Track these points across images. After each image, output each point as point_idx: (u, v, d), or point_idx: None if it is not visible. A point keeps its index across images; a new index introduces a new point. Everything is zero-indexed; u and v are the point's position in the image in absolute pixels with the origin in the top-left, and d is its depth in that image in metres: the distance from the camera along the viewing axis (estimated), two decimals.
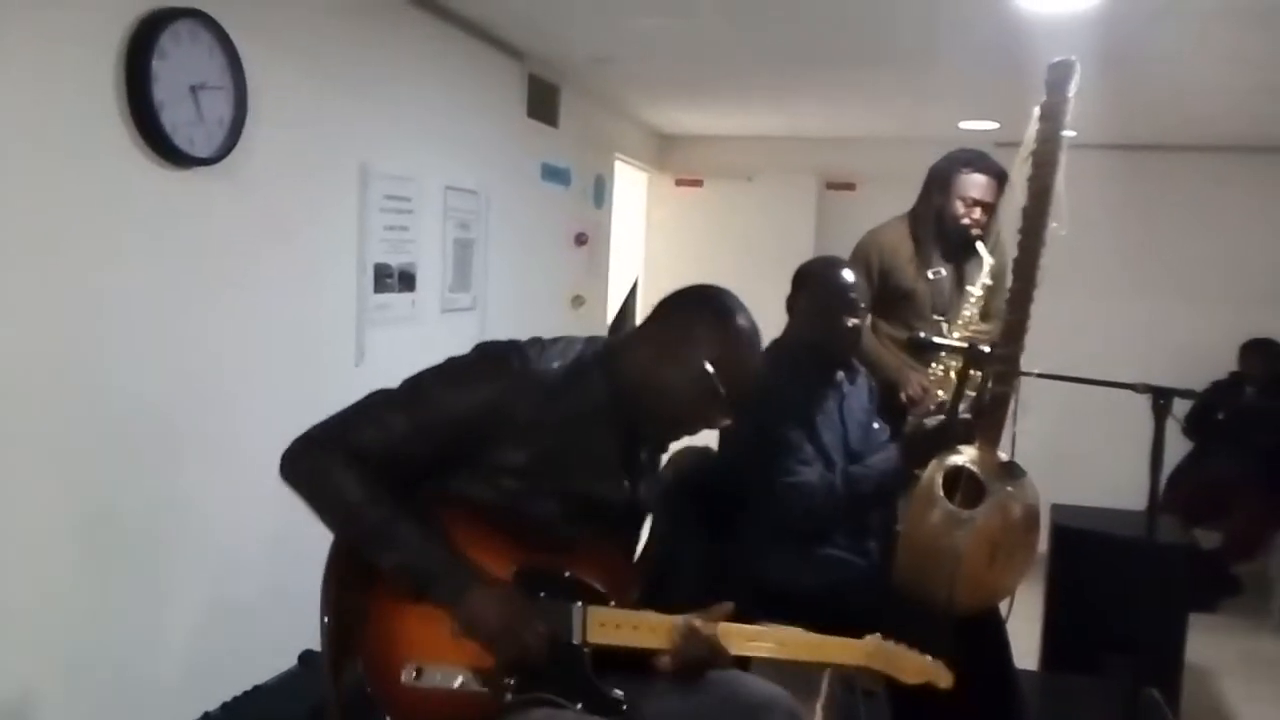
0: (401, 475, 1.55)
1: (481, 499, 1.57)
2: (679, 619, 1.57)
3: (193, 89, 2.10)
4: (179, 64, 2.06)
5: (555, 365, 1.60)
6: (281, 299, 2.52)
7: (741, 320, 1.64)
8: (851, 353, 2.50)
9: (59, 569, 1.96)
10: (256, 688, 2.32)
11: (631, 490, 1.69)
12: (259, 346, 2.45)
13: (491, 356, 1.60)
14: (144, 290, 2.10)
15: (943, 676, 1.68)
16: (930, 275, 3.07)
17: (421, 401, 1.55)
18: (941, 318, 2.99)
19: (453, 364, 1.60)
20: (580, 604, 1.57)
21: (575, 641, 1.55)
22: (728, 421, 1.66)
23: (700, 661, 1.57)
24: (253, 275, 2.41)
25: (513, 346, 1.61)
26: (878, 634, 1.68)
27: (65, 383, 1.94)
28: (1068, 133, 2.07)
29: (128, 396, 2.08)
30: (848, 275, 2.43)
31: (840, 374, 2.47)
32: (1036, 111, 2.09)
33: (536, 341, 1.64)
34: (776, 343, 2.47)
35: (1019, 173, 2.17)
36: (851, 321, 2.40)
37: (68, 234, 1.92)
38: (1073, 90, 2.05)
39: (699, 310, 1.64)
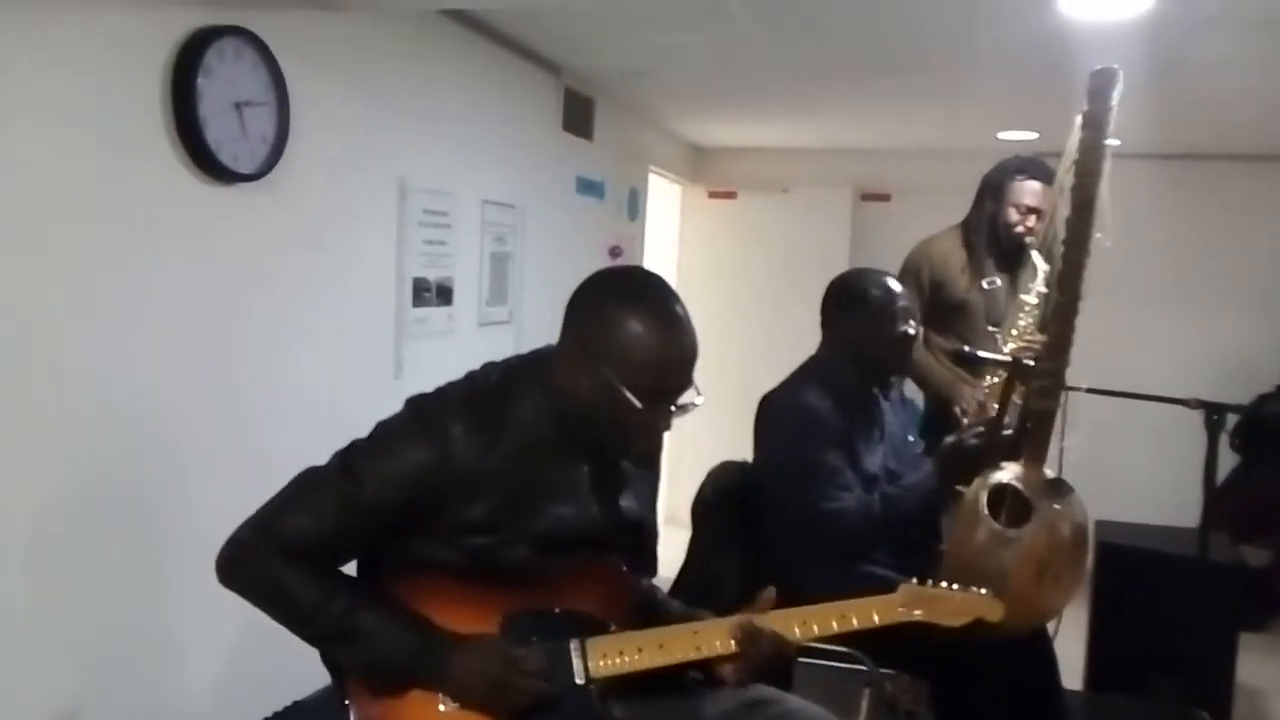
0: (348, 555, 1.47)
1: (449, 560, 1.45)
2: (734, 621, 1.48)
3: (237, 105, 2.12)
4: (223, 81, 2.08)
5: (490, 400, 1.46)
6: (321, 313, 2.54)
7: (650, 307, 1.41)
8: (907, 362, 2.44)
9: (92, 582, 1.97)
10: (297, 704, 2.32)
11: (606, 509, 1.55)
12: (300, 360, 2.46)
13: (418, 415, 1.45)
14: (187, 305, 2.12)
15: (992, 609, 1.58)
16: (985, 285, 3.04)
17: (353, 479, 1.42)
18: (996, 329, 2.95)
19: (382, 429, 1.47)
20: (576, 641, 1.46)
21: (580, 682, 1.45)
22: (667, 428, 1.46)
23: (769, 660, 1.47)
24: (293, 289, 2.43)
25: (439, 398, 1.47)
26: (913, 579, 1.60)
27: (108, 397, 1.95)
28: (1111, 141, 2.03)
29: (170, 411, 2.10)
30: (894, 283, 2.39)
31: (877, 390, 2.43)
32: (1079, 120, 2.05)
33: (469, 379, 1.52)
34: (816, 361, 2.44)
35: (1062, 183, 2.13)
36: (905, 329, 2.35)
37: (112, 249, 1.94)
38: (1116, 98, 2.01)
39: (601, 303, 1.44)
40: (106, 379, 1.95)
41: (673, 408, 1.45)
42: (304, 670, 2.35)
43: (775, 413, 2.35)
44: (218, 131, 2.08)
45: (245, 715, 2.27)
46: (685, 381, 1.45)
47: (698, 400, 1.47)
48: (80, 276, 1.88)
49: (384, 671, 1.42)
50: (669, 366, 1.42)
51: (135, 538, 2.04)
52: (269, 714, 2.31)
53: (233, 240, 2.23)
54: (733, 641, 1.48)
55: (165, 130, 2.01)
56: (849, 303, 2.39)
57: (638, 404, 1.39)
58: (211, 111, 2.05)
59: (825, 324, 2.46)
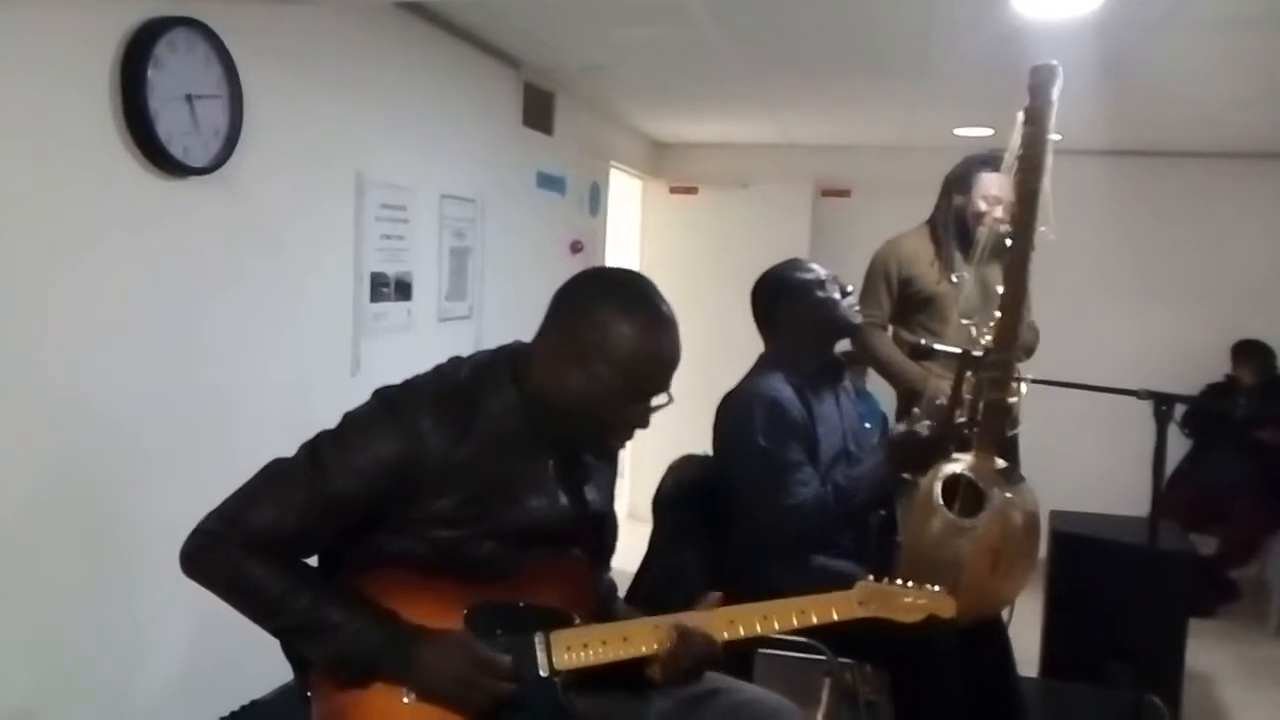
0: (314, 547, 1.47)
1: (415, 554, 1.45)
2: (662, 620, 1.50)
3: (188, 98, 2.09)
4: (174, 73, 2.05)
5: (459, 394, 1.47)
6: (277, 308, 2.51)
7: (643, 308, 1.46)
8: (849, 323, 2.46)
9: (44, 580, 1.93)
10: (254, 703, 2.30)
11: (574, 503, 1.57)
12: (255, 356, 2.43)
13: (387, 406, 1.46)
14: (139, 300, 2.08)
15: (945, 606, 1.61)
16: (954, 279, 3.08)
17: (319, 472, 1.41)
18: (969, 321, 2.99)
19: (348, 421, 1.46)
20: (540, 634, 1.47)
21: (544, 674, 1.46)
22: (645, 425, 1.50)
23: (693, 661, 1.48)
24: (248, 285, 2.39)
25: (408, 389, 1.48)
26: (869, 577, 1.63)
27: (56, 392, 1.92)
28: (1053, 136, 2.06)
29: (119, 405, 2.06)
30: (812, 265, 2.47)
31: (832, 367, 2.47)
32: (1020, 116, 2.08)
33: (437, 372, 1.52)
34: (768, 353, 2.47)
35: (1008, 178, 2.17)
36: (834, 293, 2.40)
37: (62, 242, 1.91)
38: (1056, 94, 2.04)
39: (594, 303, 1.47)
40: (59, 378, 1.91)
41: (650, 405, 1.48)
42: (262, 668, 2.33)
43: (736, 406, 2.37)
44: (169, 124, 2.04)
45: (203, 713, 2.24)
46: (669, 381, 1.48)
47: (666, 401, 1.50)
48: (29, 273, 1.84)
49: (350, 665, 1.41)
50: (659, 365, 1.46)
51: (90, 536, 2.01)
52: (226, 713, 2.28)
53: (186, 235, 2.19)
54: (666, 640, 1.49)
55: (115, 123, 1.97)
56: (779, 292, 2.46)
57: (625, 398, 1.44)
58: (162, 104, 2.02)
59: (763, 323, 2.50)
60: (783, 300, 2.44)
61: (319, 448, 1.44)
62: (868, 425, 2.56)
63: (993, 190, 3.04)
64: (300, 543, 1.45)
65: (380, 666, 1.40)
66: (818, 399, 2.39)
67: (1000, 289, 2.91)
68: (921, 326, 3.12)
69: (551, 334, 1.51)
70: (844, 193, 5.57)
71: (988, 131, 4.57)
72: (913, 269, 3.13)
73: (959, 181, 3.12)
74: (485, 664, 1.41)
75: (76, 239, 1.94)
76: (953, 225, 3.11)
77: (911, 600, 1.60)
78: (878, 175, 5.34)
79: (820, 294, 2.40)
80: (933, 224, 3.18)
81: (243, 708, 2.29)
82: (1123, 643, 2.72)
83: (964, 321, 3.01)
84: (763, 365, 2.44)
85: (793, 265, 2.48)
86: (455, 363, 1.54)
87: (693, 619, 1.51)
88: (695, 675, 1.52)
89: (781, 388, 2.32)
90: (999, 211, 3.01)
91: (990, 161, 3.06)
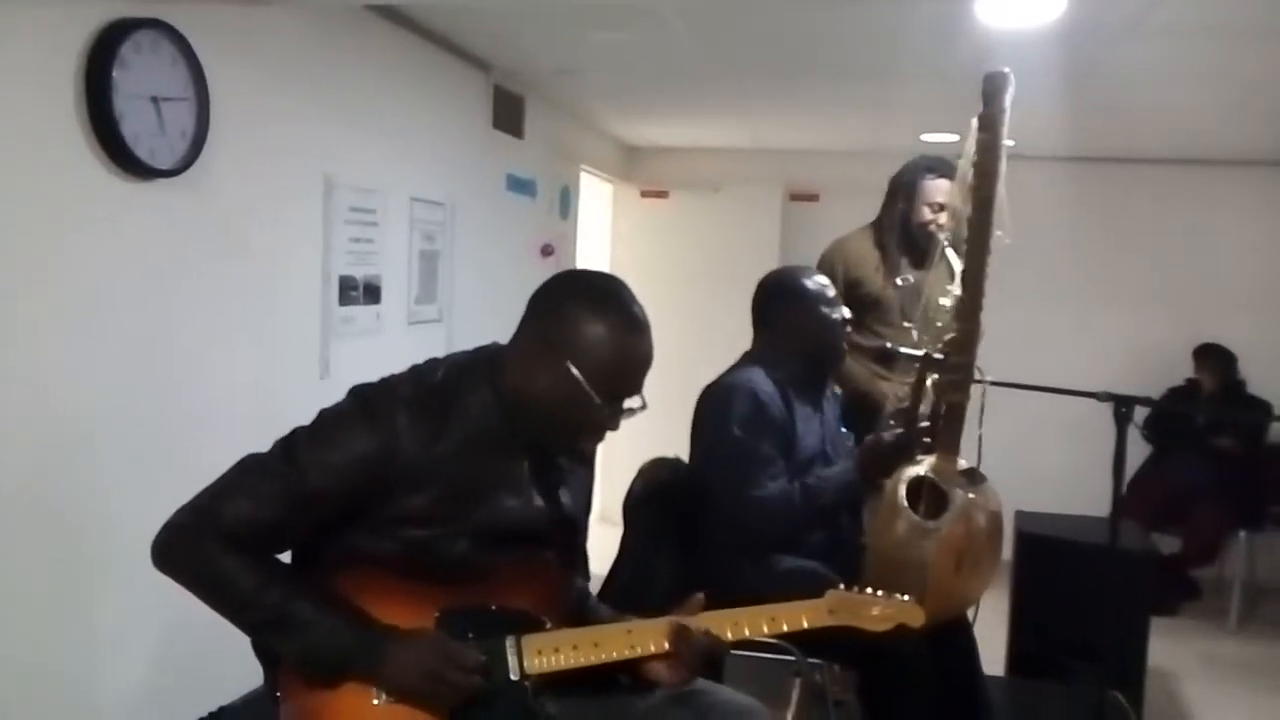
0: (287, 543, 1.47)
1: (387, 553, 1.45)
2: (665, 622, 1.51)
3: (154, 100, 2.07)
4: (140, 74, 2.03)
5: (435, 394, 1.47)
6: (245, 312, 2.49)
7: (615, 310, 1.46)
8: (842, 348, 2.51)
9: (12, 585, 1.91)
10: (222, 709, 2.28)
11: (548, 505, 1.57)
12: (222, 359, 2.42)
13: (363, 404, 1.46)
14: (103, 303, 2.06)
15: (914, 616, 1.63)
16: (899, 282, 3.10)
17: (295, 467, 1.41)
18: (911, 324, 3.02)
19: (324, 418, 1.47)
20: (512, 638, 1.47)
21: (514, 678, 1.46)
22: (616, 428, 1.51)
23: (702, 658, 1.50)
24: (215, 288, 2.38)
25: (384, 388, 1.48)
26: (840, 585, 1.64)
27: (19, 393, 1.89)
28: (1007, 142, 2.09)
29: (86, 409, 2.04)
30: (823, 276, 2.50)
31: (817, 378, 2.49)
32: (975, 123, 2.11)
33: (414, 372, 1.52)
34: (756, 350, 2.48)
35: (964, 181, 2.20)
36: (840, 314, 2.45)
37: (25, 244, 1.88)
38: (1009, 100, 2.07)
39: (567, 304, 1.48)
40: (23, 379, 1.89)
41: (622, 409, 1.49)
42: (230, 674, 2.32)
43: (716, 395, 2.38)
44: (134, 126, 2.02)
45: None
46: (640, 384, 1.50)
47: (640, 406, 1.51)
48: None
49: (319, 662, 1.41)
50: (631, 367, 1.47)
51: (55, 539, 1.98)
52: (194, 719, 2.26)
53: (152, 237, 2.17)
54: (666, 642, 1.50)
55: (80, 124, 1.95)
56: (784, 296, 2.46)
57: (597, 400, 1.44)
58: (128, 105, 2.00)
59: (760, 321, 2.51)
60: (788, 304, 2.45)
61: (294, 443, 1.45)
62: (844, 430, 2.58)
63: (937, 197, 3.06)
64: (273, 537, 1.44)
65: (350, 664, 1.40)
66: (800, 400, 2.41)
67: (942, 300, 2.98)
68: (867, 329, 3.14)
69: (525, 335, 1.52)
70: (813, 197, 5.61)
71: (953, 137, 4.62)
72: (859, 271, 3.15)
73: (904, 187, 3.13)
74: (453, 657, 1.41)
75: (40, 241, 1.91)
76: (897, 230, 3.12)
77: (880, 610, 1.62)
78: (846, 180, 5.37)
79: (826, 311, 2.42)
80: (878, 228, 3.19)
81: (210, 714, 2.27)
82: (1086, 641, 2.76)
83: (907, 325, 3.05)
84: (748, 360, 2.46)
85: (807, 272, 2.51)
86: (433, 363, 1.55)
87: (667, 623, 1.52)
88: (703, 672, 1.54)
89: (763, 383, 2.34)
90: (943, 218, 3.03)
91: (936, 168, 3.09)
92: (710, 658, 1.53)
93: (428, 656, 1.40)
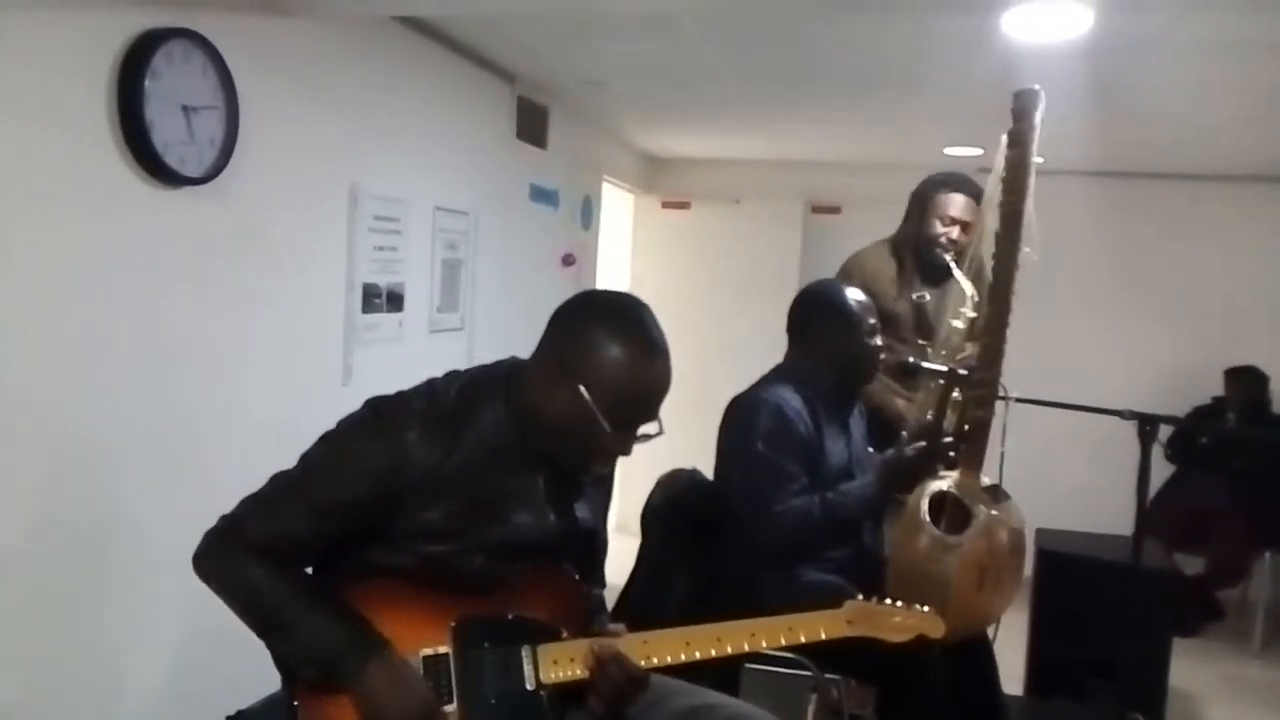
0: (313, 556, 1.49)
1: (404, 567, 1.46)
2: (651, 635, 1.49)
3: (185, 109, 2.10)
4: (171, 84, 2.06)
5: (449, 408, 1.47)
6: (269, 319, 2.51)
7: (634, 334, 1.43)
8: (874, 374, 2.49)
9: (32, 591, 1.93)
10: (241, 712, 2.29)
11: (562, 520, 1.57)
12: (247, 367, 2.44)
13: (374, 417, 1.47)
14: (133, 309, 2.09)
15: (934, 626, 1.61)
16: (914, 298, 3.09)
17: (312, 482, 1.45)
18: (925, 342, 3.01)
19: (338, 430, 1.48)
20: (528, 647, 1.47)
21: (530, 688, 1.46)
22: (628, 453, 1.49)
23: (618, 687, 1.46)
24: (241, 294, 2.40)
25: (398, 401, 1.48)
26: (859, 596, 1.63)
27: (45, 397, 1.92)
28: (1036, 159, 2.09)
29: (111, 414, 2.06)
30: (864, 297, 2.46)
31: (844, 396, 2.48)
32: (1004, 139, 2.12)
33: (429, 386, 1.52)
34: (787, 363, 2.47)
35: (991, 198, 2.19)
36: (877, 341, 2.43)
37: (57, 252, 1.91)
38: (1039, 117, 2.07)
39: (586, 325, 1.46)
40: (49, 385, 1.91)
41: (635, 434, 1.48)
42: (249, 678, 2.33)
43: (743, 409, 2.37)
44: (165, 134, 2.05)
45: None
46: (655, 411, 1.47)
47: (656, 432, 1.49)
48: (23, 280, 1.85)
49: (311, 664, 1.42)
50: (644, 395, 1.44)
51: (79, 546, 2.00)
52: None
53: (180, 244, 2.20)
54: (683, 654, 1.50)
55: (111, 132, 1.98)
56: (824, 311, 2.44)
57: (607, 427, 1.41)
58: (159, 114, 2.03)
59: (795, 333, 2.49)
60: (828, 321, 2.42)
61: (310, 455, 1.48)
62: (870, 450, 2.57)
63: (950, 211, 3.03)
64: (294, 548, 1.47)
65: (334, 669, 1.40)
66: (828, 417, 2.39)
67: (954, 322, 2.95)
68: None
69: (544, 353, 1.51)
70: (835, 209, 5.60)
71: (978, 151, 4.61)
72: (876, 284, 3.13)
73: (918, 201, 3.12)
74: (425, 705, 1.40)
75: (70, 246, 1.94)
76: (912, 246, 3.11)
77: (900, 620, 1.61)
78: (868, 193, 5.36)
79: (867, 338, 2.40)
80: (894, 243, 3.18)
81: (229, 718, 2.28)
82: (1107, 661, 2.73)
83: (921, 341, 3.03)
84: (779, 374, 2.44)
85: (847, 292, 2.45)
86: (450, 377, 1.56)
87: (674, 635, 1.52)
88: (622, 702, 1.48)
89: (791, 398, 2.33)
90: (955, 234, 3.01)
91: (951, 182, 3.06)
92: (628, 686, 1.47)
93: (411, 704, 1.39)
